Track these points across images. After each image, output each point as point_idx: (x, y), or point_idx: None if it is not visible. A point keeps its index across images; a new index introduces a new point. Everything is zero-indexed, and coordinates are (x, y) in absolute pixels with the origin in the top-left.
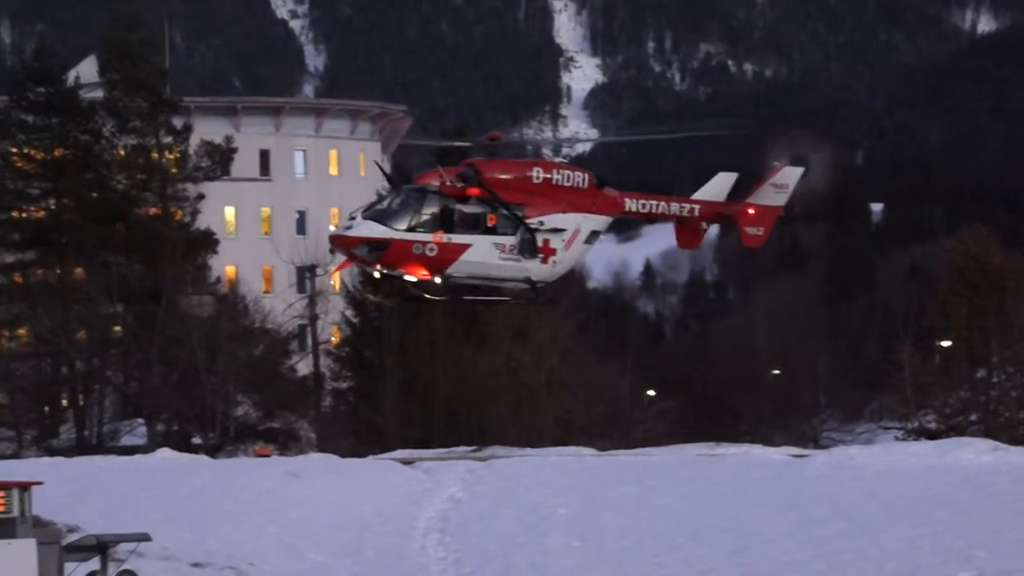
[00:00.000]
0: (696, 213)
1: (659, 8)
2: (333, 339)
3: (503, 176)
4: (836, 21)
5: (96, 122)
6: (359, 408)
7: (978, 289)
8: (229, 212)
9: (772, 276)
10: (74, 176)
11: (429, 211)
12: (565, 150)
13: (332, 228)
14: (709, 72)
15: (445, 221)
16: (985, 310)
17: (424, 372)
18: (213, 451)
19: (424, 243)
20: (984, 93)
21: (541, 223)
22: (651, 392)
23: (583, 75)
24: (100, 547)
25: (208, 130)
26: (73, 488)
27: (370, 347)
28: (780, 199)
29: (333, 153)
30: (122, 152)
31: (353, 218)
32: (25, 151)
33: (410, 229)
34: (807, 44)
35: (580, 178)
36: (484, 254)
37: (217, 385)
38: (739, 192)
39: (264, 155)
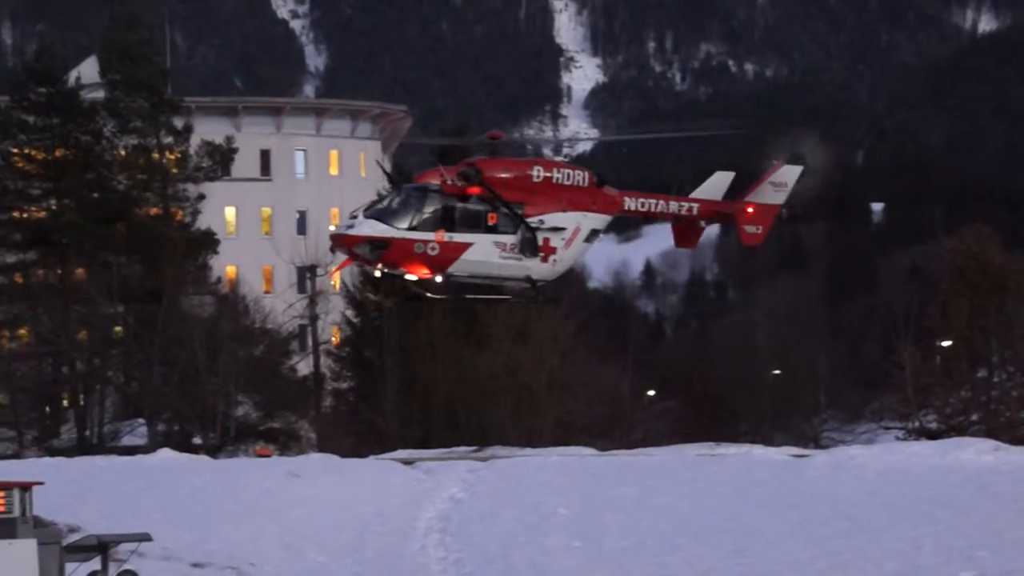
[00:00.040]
0: (695, 212)
1: (660, 8)
2: (333, 339)
3: (504, 175)
4: (837, 21)
5: (97, 122)
6: (359, 408)
7: (979, 289)
8: (230, 212)
9: (773, 276)
10: (75, 176)
11: (430, 210)
12: (565, 150)
13: (332, 228)
14: (710, 72)
15: (446, 220)
16: (986, 310)
17: (424, 372)
18: (214, 451)
19: (425, 242)
20: (985, 93)
21: (541, 222)
22: (651, 392)
23: (583, 75)
24: (101, 547)
25: (209, 130)
26: (74, 488)
27: (370, 347)
28: (779, 197)
29: (334, 153)
30: (123, 152)
31: (354, 217)
32: (26, 151)
33: (411, 228)
34: (808, 44)
35: (580, 177)
36: (485, 253)
37: (218, 385)
38: (738, 191)
39: (265, 155)
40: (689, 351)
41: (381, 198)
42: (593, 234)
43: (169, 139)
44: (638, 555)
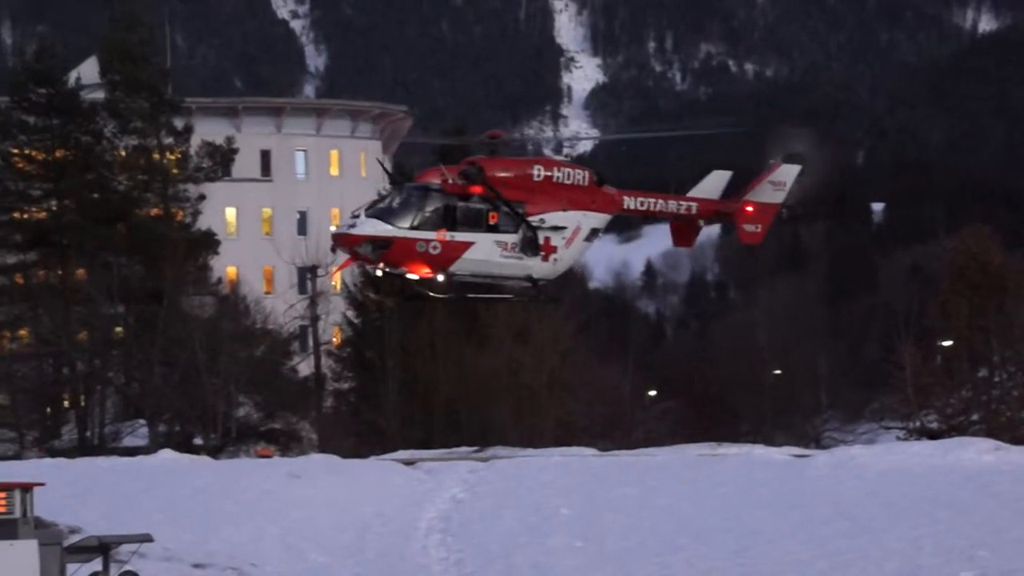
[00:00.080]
0: (694, 211)
1: (660, 8)
2: (334, 340)
3: (505, 174)
4: (837, 21)
5: (97, 123)
6: (360, 409)
7: (979, 289)
8: (230, 213)
9: (773, 276)
10: (75, 177)
11: (432, 209)
12: (566, 150)
13: (333, 228)
14: (710, 72)
15: (448, 219)
16: (986, 310)
17: (425, 373)
18: (215, 452)
19: (427, 241)
20: (985, 93)
21: (542, 221)
22: (652, 392)
23: (584, 75)
24: (102, 548)
25: (209, 131)
26: (75, 489)
27: (371, 348)
28: (778, 196)
29: (334, 153)
30: (123, 153)
31: (356, 216)
32: (26, 152)
33: (413, 227)
34: (808, 44)
35: (580, 176)
36: (486, 252)
37: (218, 386)
38: (736, 190)
39: (265, 155)
40: (690, 351)
41: (382, 197)
42: (593, 233)
43: (169, 139)
44: (640, 555)
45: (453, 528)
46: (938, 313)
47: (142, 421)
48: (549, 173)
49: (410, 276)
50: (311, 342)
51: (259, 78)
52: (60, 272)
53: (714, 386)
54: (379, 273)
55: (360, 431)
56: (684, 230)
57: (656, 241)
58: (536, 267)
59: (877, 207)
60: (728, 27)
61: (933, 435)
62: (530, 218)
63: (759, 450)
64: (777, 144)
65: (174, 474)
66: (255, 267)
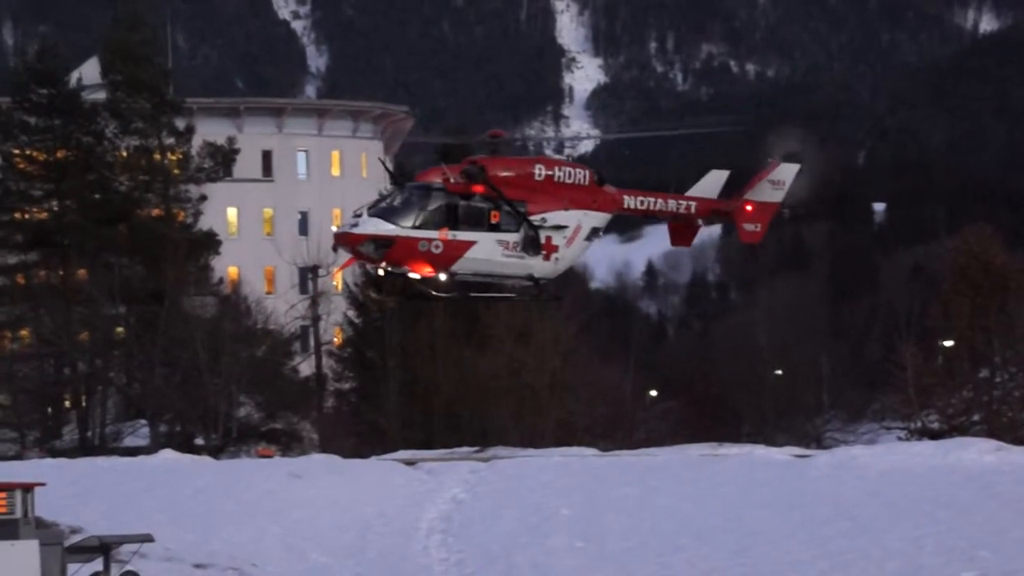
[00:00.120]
0: (693, 210)
1: (661, 8)
2: (335, 340)
3: (506, 173)
4: (838, 21)
5: (98, 123)
6: (361, 409)
7: (980, 289)
8: (231, 213)
9: (774, 276)
10: (76, 177)
11: (434, 208)
12: (567, 150)
13: (334, 228)
14: (711, 72)
15: (450, 218)
16: (987, 310)
17: (426, 373)
18: (215, 452)
19: (429, 240)
20: (986, 93)
21: (544, 220)
22: (653, 392)
23: (585, 75)
24: (103, 548)
25: (210, 131)
26: (76, 489)
27: (372, 348)
28: (777, 195)
29: (335, 154)
30: (124, 153)
31: (358, 215)
32: (27, 152)
33: (415, 226)
34: (809, 44)
35: (581, 175)
36: (488, 251)
37: (219, 386)
38: (736, 189)
39: (266, 156)
40: (691, 351)
41: (384, 197)
42: (594, 232)
43: (171, 140)
44: (640, 555)
45: (454, 528)
46: (939, 313)
47: (143, 421)
48: (550, 172)
49: (412, 275)
50: (312, 342)
51: (260, 78)
52: (61, 272)
53: (715, 386)
54: (381, 272)
55: (361, 431)
56: (682, 229)
57: (657, 241)
58: (538, 266)
59: (878, 207)
60: (729, 27)
61: (934, 435)
62: (532, 217)
63: (760, 450)
64: (779, 144)
65: (175, 474)
66: (256, 267)
